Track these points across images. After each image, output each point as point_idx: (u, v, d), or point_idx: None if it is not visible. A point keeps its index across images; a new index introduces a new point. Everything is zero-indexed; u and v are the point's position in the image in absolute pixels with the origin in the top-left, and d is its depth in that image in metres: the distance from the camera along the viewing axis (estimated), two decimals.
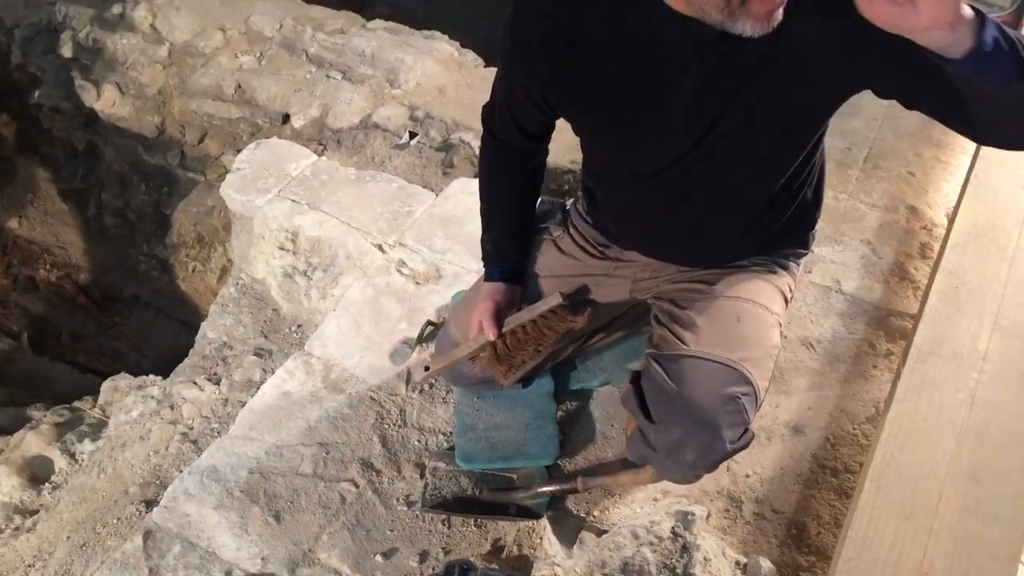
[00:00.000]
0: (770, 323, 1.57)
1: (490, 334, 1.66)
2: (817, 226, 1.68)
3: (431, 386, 2.03)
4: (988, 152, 2.42)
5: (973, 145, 2.65)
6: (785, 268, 1.65)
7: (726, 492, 1.87)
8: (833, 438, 2.00)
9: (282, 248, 2.41)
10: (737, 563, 1.72)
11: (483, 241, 1.74)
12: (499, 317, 1.67)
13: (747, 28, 1.11)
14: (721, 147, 1.35)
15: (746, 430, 1.49)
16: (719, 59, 1.23)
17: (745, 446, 1.50)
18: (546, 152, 1.68)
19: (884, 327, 2.23)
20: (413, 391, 1.99)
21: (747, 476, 1.91)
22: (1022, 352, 1.88)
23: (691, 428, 1.41)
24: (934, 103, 1.18)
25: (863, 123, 2.91)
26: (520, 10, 1.35)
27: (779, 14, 1.11)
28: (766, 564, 1.69)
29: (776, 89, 1.25)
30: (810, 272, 2.36)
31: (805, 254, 1.71)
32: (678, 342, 1.51)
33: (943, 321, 1.94)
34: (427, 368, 1.75)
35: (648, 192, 1.51)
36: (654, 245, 1.65)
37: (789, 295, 1.68)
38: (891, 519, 1.59)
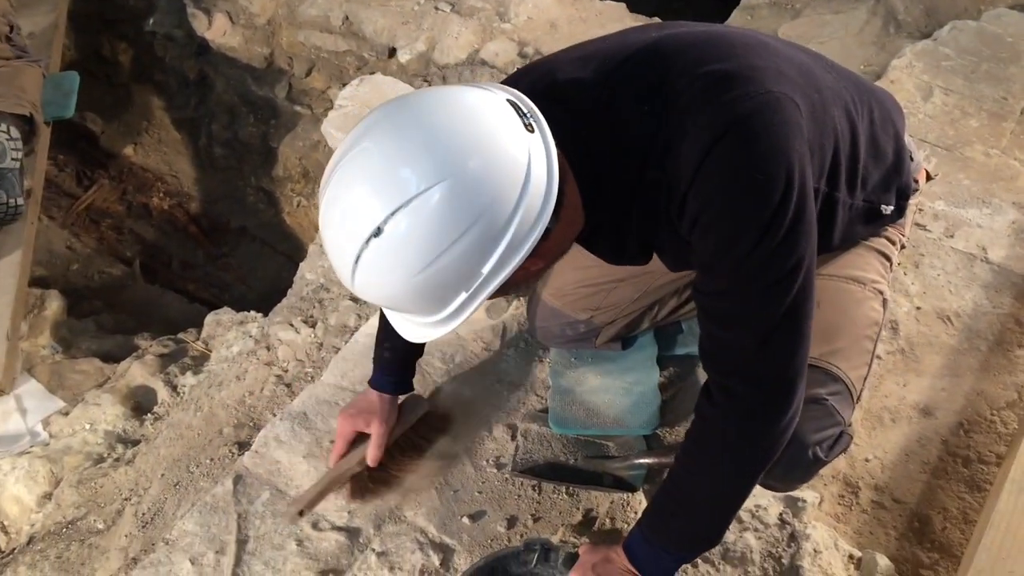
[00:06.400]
0: (861, 297, 1.41)
1: (372, 458, 1.59)
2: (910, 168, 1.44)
3: (526, 343, 1.93)
4: None
5: None
6: (877, 216, 1.41)
7: (842, 476, 1.73)
8: (967, 423, 1.81)
9: None
10: (850, 557, 1.59)
11: (381, 346, 1.59)
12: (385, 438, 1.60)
13: None
14: None
15: (842, 434, 1.33)
16: None
17: (842, 451, 1.35)
18: None
19: None
20: (299, 516, 1.62)
21: (867, 460, 1.75)
22: None
23: None
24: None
25: (1021, 69, 2.60)
26: None
27: None
28: (883, 561, 1.55)
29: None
30: (952, 237, 2.13)
31: (908, 198, 1.45)
32: None
33: None
34: (301, 512, 1.58)
35: None
36: None
37: (895, 247, 1.49)
38: None
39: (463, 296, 1.03)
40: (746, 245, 1.08)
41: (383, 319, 1.55)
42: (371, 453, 1.59)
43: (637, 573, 1.30)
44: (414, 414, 1.69)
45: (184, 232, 3.81)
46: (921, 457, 1.76)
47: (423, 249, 0.97)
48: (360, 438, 1.62)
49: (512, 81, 1.20)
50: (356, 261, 0.99)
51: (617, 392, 1.79)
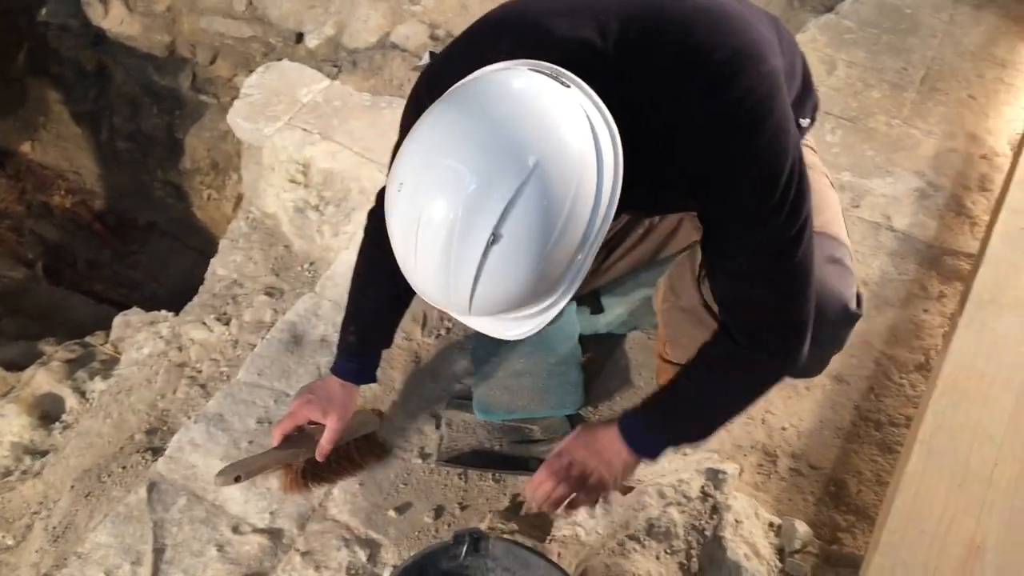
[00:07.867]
0: (818, 175, 1.48)
1: (321, 453, 1.54)
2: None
3: (447, 331, 1.91)
4: None
5: None
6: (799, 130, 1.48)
7: (760, 446, 1.76)
8: (878, 388, 1.87)
9: (293, 181, 2.28)
10: (770, 524, 1.62)
11: (346, 331, 1.53)
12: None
13: None
14: None
15: (858, 293, 1.41)
16: None
17: (862, 310, 1.41)
18: None
19: (937, 267, 2.08)
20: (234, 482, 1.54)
21: (783, 429, 1.79)
22: None
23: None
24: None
25: (920, 40, 2.68)
26: None
27: None
28: (801, 527, 1.59)
29: None
30: (858, 207, 2.19)
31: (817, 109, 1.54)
32: None
33: (1007, 266, 1.78)
34: (237, 479, 1.52)
35: None
36: None
37: (814, 147, 1.58)
38: (941, 488, 1.47)
39: (579, 259, 1.04)
40: (763, 216, 1.15)
41: (351, 302, 1.52)
42: (322, 446, 1.53)
43: (626, 445, 1.39)
44: (364, 428, 1.65)
45: (89, 230, 3.67)
46: (835, 423, 1.80)
47: (544, 230, 0.97)
48: (307, 425, 1.56)
49: (487, 40, 1.17)
50: (476, 279, 0.98)
51: (540, 374, 1.79)
